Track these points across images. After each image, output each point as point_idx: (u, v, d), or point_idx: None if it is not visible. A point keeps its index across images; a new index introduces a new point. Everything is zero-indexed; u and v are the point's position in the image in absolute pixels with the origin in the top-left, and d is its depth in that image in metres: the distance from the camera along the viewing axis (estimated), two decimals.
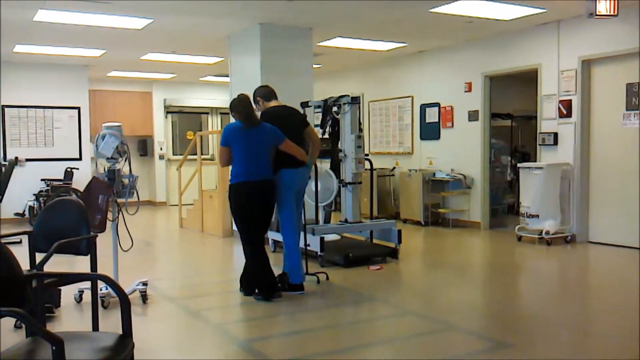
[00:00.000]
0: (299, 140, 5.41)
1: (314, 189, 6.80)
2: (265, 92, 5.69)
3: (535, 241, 7.84)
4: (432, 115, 10.04)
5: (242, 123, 5.13)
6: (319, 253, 6.49)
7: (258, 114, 5.47)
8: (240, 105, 5.13)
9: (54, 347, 2.04)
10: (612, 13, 5.95)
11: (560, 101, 7.92)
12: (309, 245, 6.09)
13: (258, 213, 5.17)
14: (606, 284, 6.00)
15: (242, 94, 5.24)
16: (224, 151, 5.15)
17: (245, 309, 5.29)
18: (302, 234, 5.85)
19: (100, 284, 4.72)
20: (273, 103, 5.64)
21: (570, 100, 7.81)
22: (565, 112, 7.86)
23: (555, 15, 7.66)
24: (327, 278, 5.95)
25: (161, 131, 14.04)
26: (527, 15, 7.59)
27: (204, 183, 9.72)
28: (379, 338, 4.36)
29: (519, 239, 8.03)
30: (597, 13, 6.02)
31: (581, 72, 7.70)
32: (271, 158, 5.20)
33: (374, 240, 7.22)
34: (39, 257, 3.73)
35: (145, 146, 14.04)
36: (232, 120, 5.48)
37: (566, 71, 7.85)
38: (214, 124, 14.61)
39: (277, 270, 5.46)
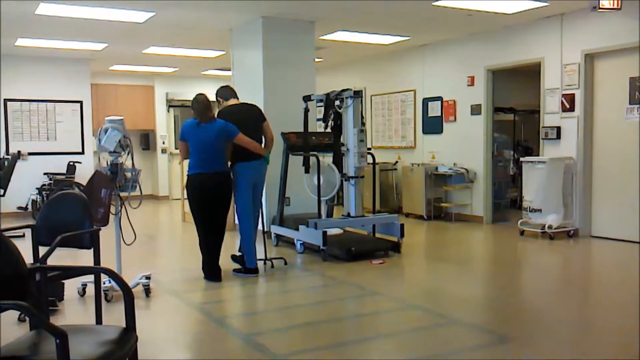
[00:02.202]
0: (256, 135, 5.91)
1: (316, 183, 6.81)
2: (224, 92, 6.21)
3: (537, 235, 7.83)
4: (434, 109, 10.02)
5: (196, 119, 5.60)
6: (321, 247, 6.49)
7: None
8: (195, 103, 5.64)
9: (57, 340, 2.04)
10: (615, 7, 5.94)
11: (563, 95, 7.90)
12: (267, 231, 6.63)
13: (211, 202, 5.59)
14: (609, 279, 6.00)
15: (199, 94, 5.72)
16: (181, 146, 5.72)
17: (248, 303, 5.31)
18: (261, 222, 6.32)
19: (104, 278, 4.72)
20: (231, 102, 6.15)
21: (573, 94, 7.79)
22: (568, 106, 7.84)
23: (558, 8, 7.63)
24: (285, 263, 6.40)
25: (163, 125, 14.04)
26: (530, 9, 7.56)
27: None
28: (381, 332, 4.36)
29: (522, 233, 8.02)
30: (601, 7, 6.00)
31: (584, 66, 7.68)
32: (224, 151, 5.66)
33: (377, 235, 7.22)
34: (42, 250, 3.74)
35: (147, 140, 14.05)
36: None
37: (569, 65, 7.82)
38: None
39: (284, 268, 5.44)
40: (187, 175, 5.67)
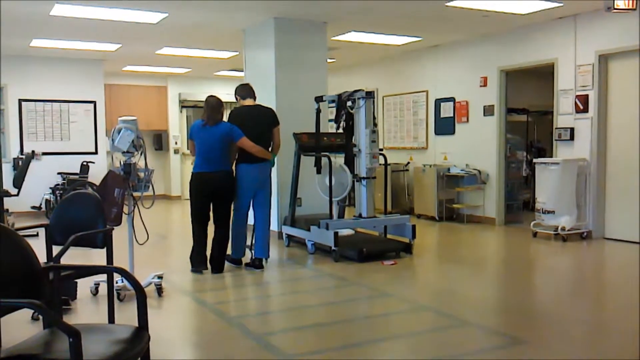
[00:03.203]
0: (263, 138, 6.09)
1: (328, 183, 6.81)
2: (242, 91, 6.35)
3: (550, 237, 7.79)
4: (447, 110, 9.98)
5: (204, 121, 5.93)
6: (332, 248, 6.49)
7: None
8: (205, 105, 5.97)
9: (70, 339, 2.05)
10: (630, 7, 5.88)
11: (577, 96, 7.84)
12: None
13: (210, 199, 5.95)
14: (622, 281, 5.94)
15: (210, 96, 6.02)
16: (190, 144, 6.12)
17: (260, 303, 5.31)
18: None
19: (116, 277, 4.75)
20: (248, 102, 6.30)
21: (587, 95, 7.74)
22: (582, 107, 7.78)
23: (572, 9, 7.58)
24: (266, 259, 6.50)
25: (176, 125, 14.09)
26: (544, 10, 7.52)
27: None
28: (393, 333, 4.36)
29: (534, 235, 7.98)
30: (616, 7, 5.95)
31: (598, 66, 7.62)
32: (227, 152, 5.94)
33: (388, 236, 7.20)
34: (56, 249, 3.77)
35: (160, 140, 14.11)
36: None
37: (583, 66, 7.77)
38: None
39: (288, 263, 5.44)
40: (192, 173, 6.05)
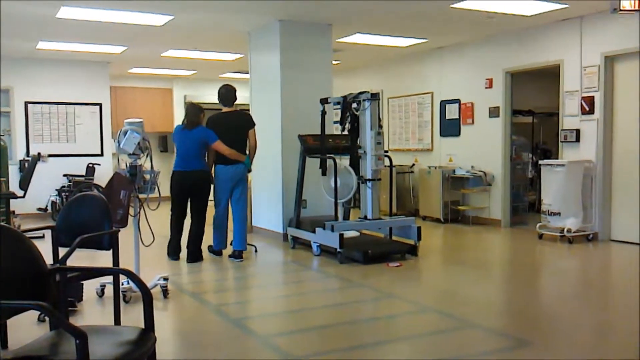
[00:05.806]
0: (239, 142, 6.67)
1: (333, 185, 6.81)
2: (221, 99, 6.87)
3: (556, 239, 7.77)
4: (452, 112, 9.97)
5: (183, 125, 6.57)
6: (337, 250, 6.49)
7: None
8: (185, 113, 6.68)
9: (77, 341, 2.06)
10: (636, 8, 5.87)
11: (583, 98, 7.83)
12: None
13: (187, 195, 6.56)
14: (628, 283, 5.92)
15: (189, 105, 6.72)
16: (175, 145, 6.74)
17: (265, 304, 5.32)
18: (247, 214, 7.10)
19: (122, 279, 4.76)
20: (225, 109, 6.87)
21: (593, 97, 7.72)
22: (587, 108, 7.77)
23: (578, 10, 7.57)
24: (256, 250, 7.16)
25: None
26: (549, 11, 7.51)
27: None
28: (397, 335, 4.35)
29: (540, 236, 7.96)
30: (621, 8, 5.94)
31: (604, 68, 7.60)
32: (203, 153, 6.54)
33: (393, 237, 7.20)
34: (62, 251, 3.78)
35: (165, 142, 14.11)
36: None
37: (589, 67, 7.75)
38: None
39: (294, 265, 5.44)
40: (172, 171, 6.63)
